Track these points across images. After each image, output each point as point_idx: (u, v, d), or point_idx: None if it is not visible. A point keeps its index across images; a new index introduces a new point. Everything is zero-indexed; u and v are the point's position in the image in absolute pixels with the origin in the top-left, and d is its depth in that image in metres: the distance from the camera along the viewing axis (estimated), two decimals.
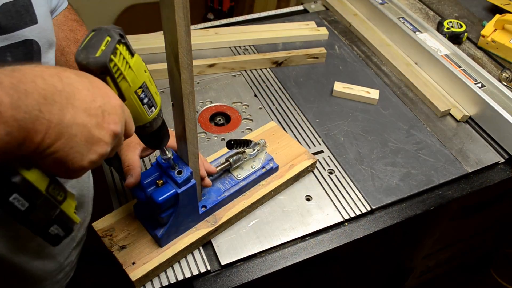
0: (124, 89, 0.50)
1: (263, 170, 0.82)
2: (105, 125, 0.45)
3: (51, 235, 0.48)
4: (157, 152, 0.70)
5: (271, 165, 0.83)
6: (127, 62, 0.49)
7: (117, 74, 0.48)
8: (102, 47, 0.47)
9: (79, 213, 0.84)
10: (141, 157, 0.72)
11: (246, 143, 0.79)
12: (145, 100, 0.53)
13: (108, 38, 0.47)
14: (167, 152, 0.64)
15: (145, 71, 0.53)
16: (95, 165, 0.46)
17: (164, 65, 0.61)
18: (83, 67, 0.47)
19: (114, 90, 0.49)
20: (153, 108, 0.55)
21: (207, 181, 0.74)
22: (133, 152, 0.70)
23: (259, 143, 0.84)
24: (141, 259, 0.70)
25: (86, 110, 0.43)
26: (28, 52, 0.63)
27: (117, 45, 0.48)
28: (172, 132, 0.66)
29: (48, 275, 0.78)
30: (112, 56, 0.47)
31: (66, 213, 0.49)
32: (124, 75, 0.49)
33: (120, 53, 0.48)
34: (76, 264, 0.90)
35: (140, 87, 0.51)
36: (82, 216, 0.86)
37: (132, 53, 0.50)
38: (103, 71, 0.47)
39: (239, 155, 0.81)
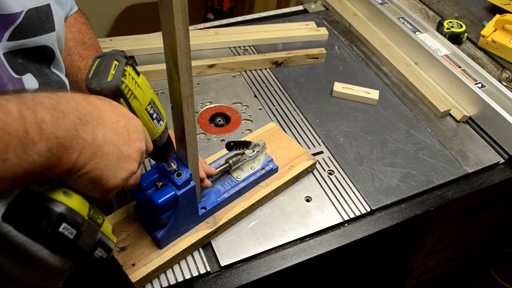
0: (136, 108, 0.52)
1: (263, 171, 0.82)
2: (131, 142, 0.48)
3: (96, 258, 0.50)
4: None
5: (270, 166, 0.83)
6: (135, 82, 0.51)
7: (128, 94, 0.50)
8: (112, 72, 0.49)
9: None
10: None
11: (246, 144, 0.79)
12: (154, 115, 0.55)
13: (115, 62, 0.49)
14: (172, 164, 0.65)
15: (150, 88, 0.55)
16: (125, 183, 0.49)
17: (164, 66, 0.61)
18: (97, 93, 0.49)
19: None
20: (161, 121, 0.57)
21: (207, 182, 0.74)
22: None
23: (258, 144, 0.84)
24: (141, 261, 0.70)
25: (114, 130, 0.46)
26: (39, 55, 0.65)
27: (125, 67, 0.50)
28: (172, 134, 0.66)
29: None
30: (123, 78, 0.49)
31: (106, 235, 0.51)
32: (135, 94, 0.51)
33: (129, 74, 0.50)
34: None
35: (149, 104, 0.54)
36: None
37: (138, 73, 0.53)
38: (116, 94, 0.49)
39: (239, 156, 0.81)
